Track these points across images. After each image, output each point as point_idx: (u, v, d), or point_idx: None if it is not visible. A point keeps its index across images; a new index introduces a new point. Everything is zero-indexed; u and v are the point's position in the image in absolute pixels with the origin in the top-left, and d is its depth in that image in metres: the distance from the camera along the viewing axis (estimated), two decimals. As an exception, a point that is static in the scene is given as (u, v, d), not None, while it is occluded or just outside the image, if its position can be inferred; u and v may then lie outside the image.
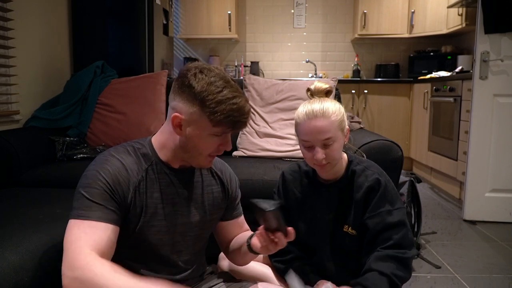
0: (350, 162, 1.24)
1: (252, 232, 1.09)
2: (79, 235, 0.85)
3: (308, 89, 1.22)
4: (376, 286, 1.08)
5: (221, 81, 0.92)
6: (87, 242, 0.84)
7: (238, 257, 1.13)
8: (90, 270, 0.79)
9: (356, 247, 1.21)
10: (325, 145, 1.13)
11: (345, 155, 1.25)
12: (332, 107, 1.14)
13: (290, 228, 0.95)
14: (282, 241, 0.95)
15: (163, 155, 1.00)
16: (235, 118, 0.92)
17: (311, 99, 1.20)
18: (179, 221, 1.03)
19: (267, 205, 0.90)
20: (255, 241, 1.01)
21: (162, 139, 1.01)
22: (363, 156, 1.36)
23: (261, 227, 0.98)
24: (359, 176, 1.20)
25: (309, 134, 1.13)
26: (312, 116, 1.12)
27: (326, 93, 1.20)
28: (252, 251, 1.03)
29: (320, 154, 1.12)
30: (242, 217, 1.21)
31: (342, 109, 1.18)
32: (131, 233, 0.96)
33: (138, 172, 0.96)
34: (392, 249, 1.13)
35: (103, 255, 0.85)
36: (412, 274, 1.85)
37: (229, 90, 0.91)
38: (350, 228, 1.21)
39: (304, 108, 1.16)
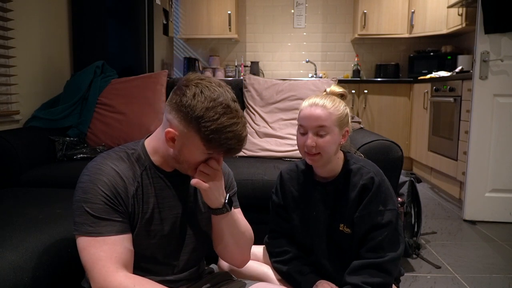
0: (347, 161, 1.24)
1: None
2: (98, 255, 0.86)
3: (325, 90, 1.27)
4: None
5: (220, 107, 0.88)
6: (109, 260, 0.86)
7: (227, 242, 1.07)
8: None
9: (351, 246, 1.21)
10: (318, 134, 1.15)
11: (342, 154, 1.25)
12: (336, 104, 1.18)
13: None
14: None
15: (156, 160, 1.00)
16: (229, 146, 0.90)
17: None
18: (176, 223, 1.03)
19: None
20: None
21: (155, 145, 1.00)
22: (362, 156, 1.36)
23: None
24: (355, 174, 1.21)
25: (305, 119, 1.17)
26: (313, 104, 1.17)
27: (341, 96, 1.23)
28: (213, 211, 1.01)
29: (310, 140, 1.15)
30: (238, 210, 1.14)
31: (347, 111, 1.21)
32: None
33: (134, 178, 0.96)
34: (372, 252, 1.15)
35: (127, 267, 0.89)
36: (412, 274, 1.86)
37: (227, 117, 0.88)
38: (345, 227, 1.21)
39: (310, 98, 1.21)
